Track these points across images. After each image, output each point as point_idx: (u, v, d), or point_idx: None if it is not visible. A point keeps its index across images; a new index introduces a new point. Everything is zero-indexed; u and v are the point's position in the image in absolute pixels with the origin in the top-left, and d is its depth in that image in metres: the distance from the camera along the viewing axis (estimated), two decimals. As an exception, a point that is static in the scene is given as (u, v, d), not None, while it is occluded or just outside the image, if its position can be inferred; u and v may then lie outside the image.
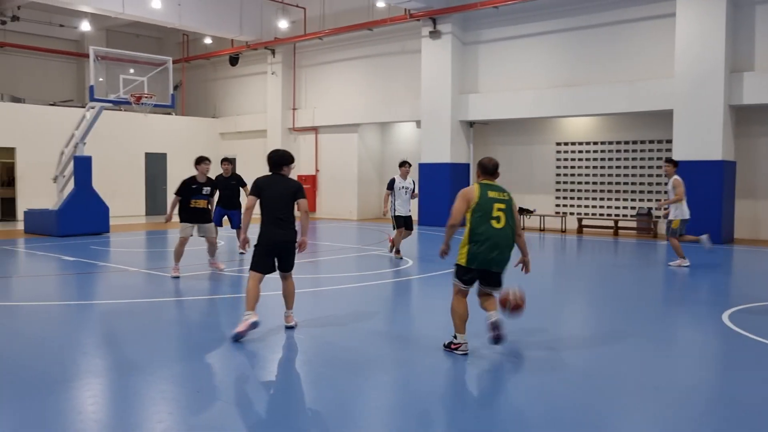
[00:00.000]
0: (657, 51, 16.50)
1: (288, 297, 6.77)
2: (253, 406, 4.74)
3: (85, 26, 23.99)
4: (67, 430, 4.25)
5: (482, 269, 5.75)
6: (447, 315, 5.95)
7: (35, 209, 17.74)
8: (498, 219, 5.69)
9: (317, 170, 24.01)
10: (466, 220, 5.81)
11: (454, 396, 5.10)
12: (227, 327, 6.68)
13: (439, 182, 19.64)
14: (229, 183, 12.13)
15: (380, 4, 20.45)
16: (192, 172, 10.24)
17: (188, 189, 10.02)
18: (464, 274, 5.82)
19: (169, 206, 10.27)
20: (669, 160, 11.72)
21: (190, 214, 10.09)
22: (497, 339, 5.70)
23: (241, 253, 12.16)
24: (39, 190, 20.87)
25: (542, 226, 18.98)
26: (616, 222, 17.71)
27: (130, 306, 8.30)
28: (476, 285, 5.90)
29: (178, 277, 9.92)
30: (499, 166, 6.02)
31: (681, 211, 11.33)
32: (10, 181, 22.01)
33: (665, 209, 11.66)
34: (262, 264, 6.53)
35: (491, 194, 5.76)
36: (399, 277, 10.49)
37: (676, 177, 11.41)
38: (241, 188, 12.31)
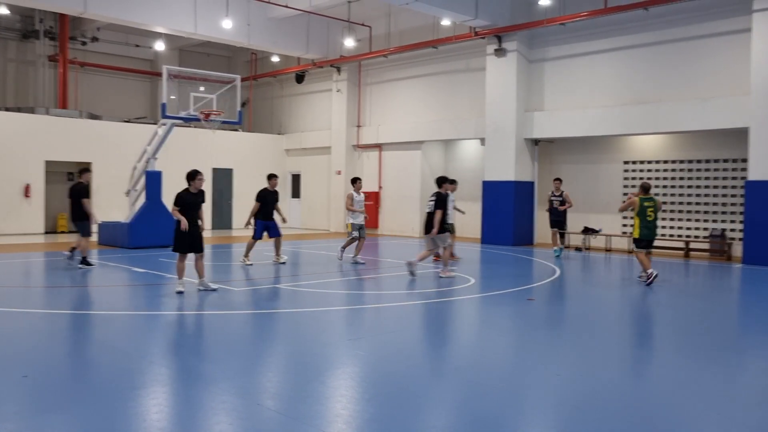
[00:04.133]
0: (731, 67, 15.96)
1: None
2: (313, 421, 4.74)
3: (159, 46, 24.91)
4: (132, 437, 4.35)
5: None
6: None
7: (109, 222, 18.41)
8: None
9: (380, 187, 24.12)
10: None
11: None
12: (290, 340, 6.71)
13: (503, 200, 19.45)
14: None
15: (445, 23, 20.48)
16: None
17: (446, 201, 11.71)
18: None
19: (437, 222, 11.48)
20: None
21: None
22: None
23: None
24: (113, 203, 21.66)
25: (608, 246, 18.52)
26: (687, 243, 17.11)
27: (195, 318, 8.47)
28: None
29: (453, 278, 11.51)
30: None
31: None
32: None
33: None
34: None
35: None
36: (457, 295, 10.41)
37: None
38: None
